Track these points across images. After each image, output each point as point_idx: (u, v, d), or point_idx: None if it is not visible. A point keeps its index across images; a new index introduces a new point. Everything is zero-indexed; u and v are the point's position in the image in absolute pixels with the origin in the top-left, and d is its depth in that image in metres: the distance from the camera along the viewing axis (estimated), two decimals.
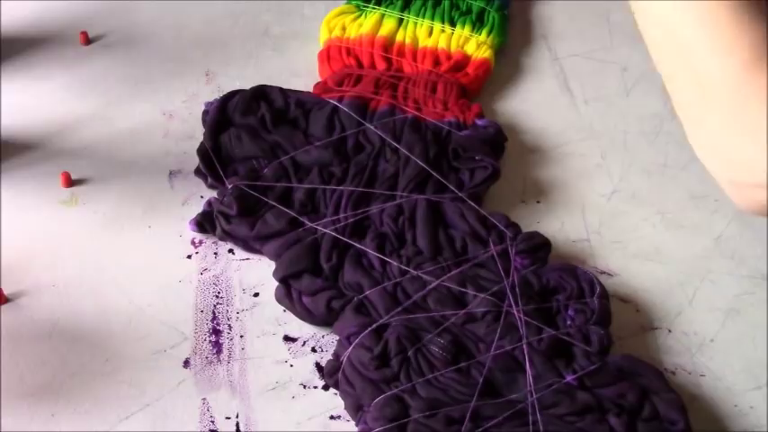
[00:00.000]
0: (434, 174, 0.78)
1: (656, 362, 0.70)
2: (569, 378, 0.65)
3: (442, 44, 0.92)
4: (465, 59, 0.91)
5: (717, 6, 0.55)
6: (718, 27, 0.54)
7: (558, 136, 0.88)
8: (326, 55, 0.91)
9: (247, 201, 0.76)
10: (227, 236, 0.76)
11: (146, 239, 0.77)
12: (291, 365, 0.69)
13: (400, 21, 0.94)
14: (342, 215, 0.75)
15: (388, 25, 0.93)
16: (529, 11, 1.03)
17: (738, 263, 0.78)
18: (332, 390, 0.67)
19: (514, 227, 0.75)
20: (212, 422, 0.65)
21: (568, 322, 0.69)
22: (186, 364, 0.68)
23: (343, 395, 0.66)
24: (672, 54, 0.59)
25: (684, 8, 0.58)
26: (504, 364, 0.66)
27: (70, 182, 0.80)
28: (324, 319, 0.70)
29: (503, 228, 0.75)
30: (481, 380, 0.65)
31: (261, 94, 0.84)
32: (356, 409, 0.65)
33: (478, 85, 0.90)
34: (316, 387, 0.68)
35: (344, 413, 0.66)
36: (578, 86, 0.92)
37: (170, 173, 0.82)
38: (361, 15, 0.95)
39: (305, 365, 0.69)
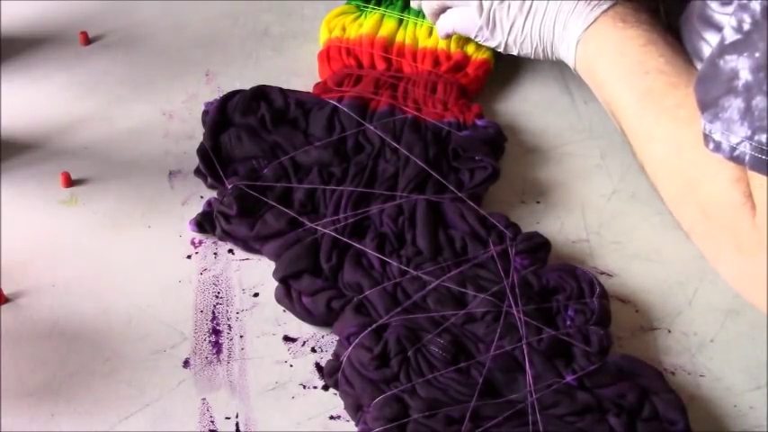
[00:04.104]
0: (434, 174, 0.78)
1: (656, 362, 0.70)
2: (569, 378, 0.66)
3: (441, 45, 0.92)
4: (465, 60, 0.91)
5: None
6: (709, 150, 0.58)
7: (558, 136, 0.88)
8: (326, 55, 0.91)
9: (247, 201, 0.76)
10: (226, 236, 0.76)
11: (146, 239, 0.77)
12: (291, 365, 0.69)
13: (400, 21, 0.94)
14: (342, 215, 0.75)
15: (389, 26, 0.93)
16: None
17: None
18: (332, 390, 0.67)
19: (514, 227, 0.75)
20: (212, 422, 0.65)
21: (568, 322, 0.69)
22: (186, 364, 0.68)
23: (343, 395, 0.66)
24: (678, 184, 0.63)
25: (684, 148, 0.61)
26: (504, 365, 0.66)
27: (70, 182, 0.80)
28: (324, 320, 0.70)
29: (502, 228, 0.75)
30: (481, 380, 0.65)
31: (261, 94, 0.84)
32: (356, 410, 0.65)
33: (478, 86, 0.90)
34: (315, 387, 0.68)
35: (344, 413, 0.66)
36: (578, 87, 0.92)
37: (170, 173, 0.82)
38: (361, 16, 0.95)
39: (305, 365, 0.69)
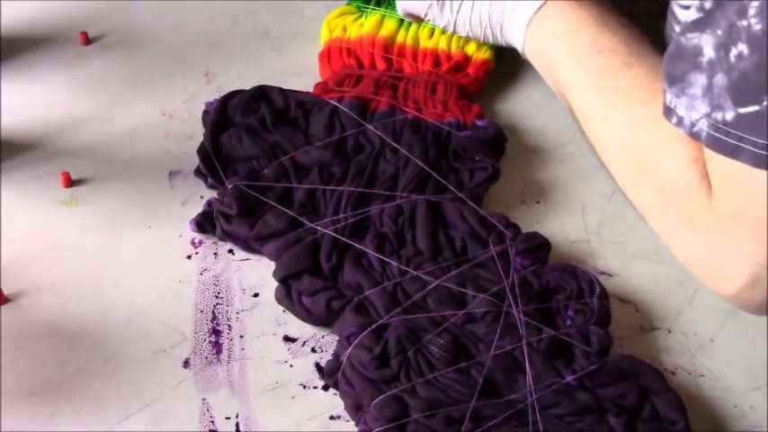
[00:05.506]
0: (434, 174, 0.79)
1: (656, 362, 0.70)
2: (569, 378, 0.66)
3: (442, 45, 0.92)
4: (465, 60, 0.91)
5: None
6: (667, 130, 0.58)
7: (558, 136, 0.88)
8: (327, 55, 0.91)
9: (247, 201, 0.76)
10: (226, 236, 0.76)
11: (146, 239, 0.77)
12: (291, 366, 0.69)
13: (401, 22, 0.94)
14: (342, 215, 0.75)
15: (389, 26, 0.93)
16: None
17: None
18: (332, 390, 0.67)
19: (514, 227, 0.75)
20: (212, 422, 0.65)
21: (568, 322, 0.69)
22: (186, 364, 0.68)
23: (343, 395, 0.66)
24: (630, 164, 0.63)
25: (639, 130, 0.62)
26: (504, 365, 0.66)
27: (70, 182, 0.80)
28: (324, 320, 0.70)
29: (502, 228, 0.75)
30: (481, 380, 0.65)
31: (261, 94, 0.84)
32: (356, 410, 0.65)
33: (479, 86, 0.90)
34: (315, 387, 0.68)
35: (344, 413, 0.66)
36: None
37: (170, 173, 0.82)
38: (361, 16, 0.95)
39: (305, 366, 0.69)
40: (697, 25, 0.56)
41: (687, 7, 0.57)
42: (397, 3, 0.88)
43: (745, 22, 0.53)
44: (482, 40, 0.82)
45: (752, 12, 0.52)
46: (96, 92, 0.90)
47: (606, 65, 0.69)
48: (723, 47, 0.54)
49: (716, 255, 0.59)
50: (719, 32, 0.54)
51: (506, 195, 0.82)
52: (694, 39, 0.56)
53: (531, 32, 0.76)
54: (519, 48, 0.78)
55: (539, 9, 0.75)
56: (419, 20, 0.87)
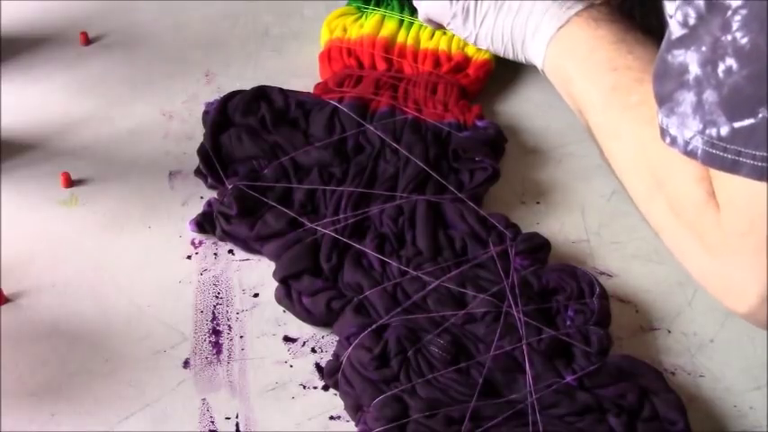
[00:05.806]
0: (434, 174, 0.79)
1: (656, 362, 0.70)
2: (569, 378, 0.66)
3: (442, 46, 0.92)
4: (466, 61, 0.91)
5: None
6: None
7: (558, 137, 0.88)
8: (327, 56, 0.91)
9: (247, 201, 0.76)
10: (226, 236, 0.76)
11: (145, 240, 0.77)
12: (291, 366, 0.69)
13: (401, 22, 0.94)
14: (342, 216, 0.75)
15: (390, 26, 0.93)
16: None
17: None
18: (332, 390, 0.67)
19: (514, 228, 0.75)
20: (212, 422, 0.65)
21: (568, 323, 0.69)
22: (186, 364, 0.68)
23: (343, 395, 0.66)
24: (646, 178, 0.63)
25: (648, 147, 0.62)
26: (504, 365, 0.66)
27: (70, 182, 0.80)
28: (324, 320, 0.70)
29: (502, 228, 0.75)
30: (481, 380, 0.65)
31: (261, 94, 0.84)
32: (356, 410, 0.65)
33: (479, 87, 0.90)
34: (315, 387, 0.68)
35: (344, 413, 0.66)
36: None
37: (170, 173, 0.82)
38: (362, 17, 0.95)
39: (305, 366, 0.69)
40: (682, 42, 0.56)
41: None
42: (418, 8, 0.88)
43: (729, 37, 0.53)
44: (502, 54, 0.82)
45: (735, 26, 0.52)
46: (96, 92, 0.90)
47: (619, 81, 0.69)
48: (710, 63, 0.54)
49: (726, 274, 0.59)
50: (704, 49, 0.54)
51: (506, 195, 0.82)
52: (679, 56, 0.56)
53: (550, 51, 0.76)
54: (539, 65, 0.78)
55: (560, 28, 0.75)
56: (440, 27, 0.87)
